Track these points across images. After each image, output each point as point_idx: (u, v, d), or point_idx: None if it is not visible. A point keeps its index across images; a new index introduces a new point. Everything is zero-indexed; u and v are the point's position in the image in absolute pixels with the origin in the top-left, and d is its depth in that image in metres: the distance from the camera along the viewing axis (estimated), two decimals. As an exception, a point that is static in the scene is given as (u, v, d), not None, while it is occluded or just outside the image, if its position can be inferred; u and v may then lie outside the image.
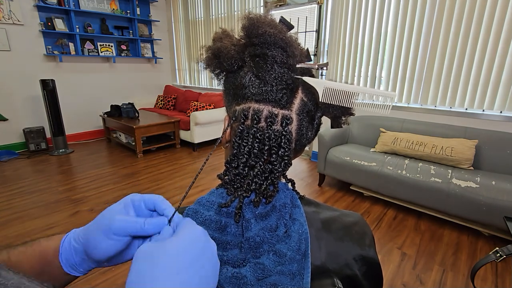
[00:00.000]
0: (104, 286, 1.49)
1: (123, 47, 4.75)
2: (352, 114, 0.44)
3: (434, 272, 1.67)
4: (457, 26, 2.34)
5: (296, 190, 0.44)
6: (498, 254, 0.91)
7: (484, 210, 1.85)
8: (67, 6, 3.93)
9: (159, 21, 5.10)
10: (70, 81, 4.26)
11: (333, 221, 0.43)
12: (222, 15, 4.34)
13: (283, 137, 0.39)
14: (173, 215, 0.34)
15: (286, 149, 0.39)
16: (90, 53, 4.33)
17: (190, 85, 5.34)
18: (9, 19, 3.59)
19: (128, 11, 4.65)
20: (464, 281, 1.60)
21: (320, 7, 3.22)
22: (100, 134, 4.68)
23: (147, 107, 5.05)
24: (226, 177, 0.41)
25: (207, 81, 5.02)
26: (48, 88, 3.60)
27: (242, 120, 0.40)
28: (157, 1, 5.02)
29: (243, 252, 0.36)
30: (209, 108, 4.07)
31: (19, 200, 2.50)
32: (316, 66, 0.42)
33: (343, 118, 0.45)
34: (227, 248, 0.37)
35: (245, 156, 0.39)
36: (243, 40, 0.42)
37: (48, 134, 3.88)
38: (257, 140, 0.39)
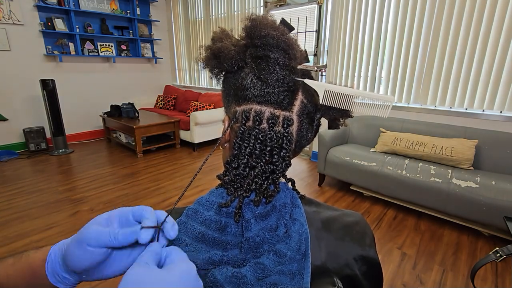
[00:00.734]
0: (104, 286, 1.49)
1: (123, 47, 4.75)
2: (351, 117, 0.44)
3: (434, 272, 1.67)
4: (457, 26, 2.34)
5: (296, 189, 0.44)
6: (498, 254, 0.91)
7: (484, 210, 1.85)
8: (67, 6, 3.93)
9: (159, 21, 5.10)
10: (70, 81, 4.26)
11: (333, 221, 0.43)
12: (222, 15, 4.34)
13: (284, 138, 0.39)
14: (165, 222, 0.33)
15: (288, 150, 0.39)
16: (90, 53, 4.33)
17: (190, 85, 5.34)
18: (9, 19, 3.59)
19: (128, 11, 4.65)
20: (464, 281, 1.60)
21: (320, 7, 3.22)
22: (100, 134, 4.68)
23: (147, 107, 5.05)
24: (226, 177, 0.41)
25: (207, 81, 5.02)
26: (48, 88, 3.60)
27: (244, 121, 0.40)
28: (157, 1, 5.02)
29: (243, 252, 0.36)
30: (209, 108, 4.07)
31: (19, 200, 2.50)
32: (315, 68, 0.43)
33: (341, 120, 0.45)
34: (227, 248, 0.37)
35: (246, 157, 0.39)
36: (243, 41, 0.42)
37: (48, 134, 3.88)
38: (258, 141, 0.39)
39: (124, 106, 4.06)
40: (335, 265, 0.39)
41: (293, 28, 0.43)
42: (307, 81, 0.41)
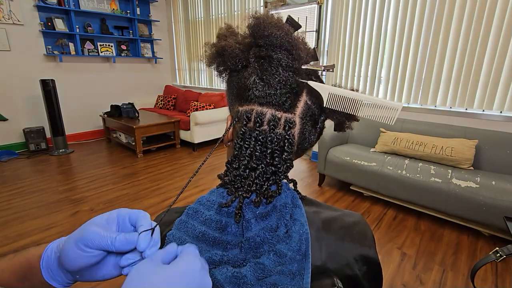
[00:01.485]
0: (104, 287, 1.49)
1: (123, 47, 4.75)
2: (357, 120, 0.43)
3: (434, 272, 1.67)
4: (457, 26, 2.34)
5: (297, 191, 0.44)
6: (498, 254, 0.91)
7: (484, 210, 1.85)
8: (67, 6, 3.93)
9: (159, 21, 5.10)
10: (70, 81, 4.26)
11: (333, 221, 0.43)
12: (222, 15, 4.34)
13: (285, 140, 0.39)
14: (153, 230, 0.33)
15: (289, 153, 0.39)
16: (90, 53, 4.33)
17: (190, 85, 5.34)
18: (9, 19, 3.59)
19: (128, 11, 4.65)
20: (464, 281, 1.60)
21: (320, 7, 3.22)
22: (100, 134, 4.68)
23: (147, 107, 5.05)
24: (227, 177, 0.41)
25: (207, 81, 5.02)
26: (48, 88, 3.60)
27: (245, 122, 0.40)
28: (157, 1, 5.02)
29: (244, 252, 0.36)
30: (209, 108, 4.07)
31: (19, 200, 2.50)
32: (322, 68, 0.42)
33: (347, 123, 0.44)
34: (228, 248, 0.37)
35: (247, 158, 0.39)
36: (248, 39, 0.41)
37: (48, 134, 3.88)
38: (259, 142, 0.39)
39: (124, 106, 4.06)
40: (335, 265, 0.39)
41: (300, 26, 0.42)
42: (310, 83, 0.40)
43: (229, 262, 0.35)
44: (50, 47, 3.94)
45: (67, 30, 4.03)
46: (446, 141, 2.24)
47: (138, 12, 4.73)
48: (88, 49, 4.32)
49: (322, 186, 2.84)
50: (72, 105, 4.29)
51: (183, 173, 3.20)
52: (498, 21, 2.15)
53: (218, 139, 0.43)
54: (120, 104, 4.14)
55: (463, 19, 2.29)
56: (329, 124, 0.48)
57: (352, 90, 0.39)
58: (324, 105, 0.40)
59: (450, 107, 2.50)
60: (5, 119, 3.75)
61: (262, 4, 3.79)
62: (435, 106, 2.59)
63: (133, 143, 3.74)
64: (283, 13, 3.54)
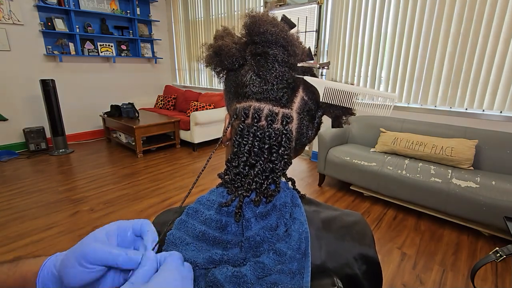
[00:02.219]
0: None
1: (123, 47, 4.75)
2: (353, 114, 0.44)
3: (434, 272, 1.67)
4: (457, 26, 2.34)
5: (296, 189, 0.44)
6: (498, 254, 0.91)
7: (484, 210, 1.85)
8: (67, 6, 3.93)
9: (159, 21, 5.11)
10: (70, 81, 4.26)
11: (333, 220, 0.43)
12: (222, 15, 4.35)
13: (283, 135, 0.39)
14: (155, 245, 0.34)
15: (287, 148, 0.39)
16: (90, 53, 4.33)
17: (190, 85, 5.34)
18: (9, 19, 3.59)
19: (128, 11, 4.65)
20: (464, 281, 1.60)
21: (320, 7, 3.22)
22: (100, 134, 4.68)
23: (147, 107, 5.05)
24: (227, 176, 0.41)
25: (207, 81, 5.02)
26: (48, 88, 3.60)
27: (243, 119, 0.40)
28: (157, 1, 5.02)
29: (243, 251, 0.36)
30: (209, 108, 4.07)
31: (19, 200, 2.50)
32: (318, 65, 0.42)
33: (344, 118, 0.45)
34: (228, 247, 0.37)
35: (246, 154, 0.39)
36: (244, 38, 0.42)
37: (48, 134, 3.88)
38: (257, 138, 0.39)
39: (124, 106, 4.06)
40: (335, 265, 0.39)
41: (294, 25, 0.42)
42: (307, 78, 0.40)
43: (229, 261, 0.35)
44: (50, 47, 3.94)
45: (67, 30, 4.03)
46: (446, 141, 2.24)
47: (138, 12, 4.73)
48: (88, 49, 4.32)
49: (322, 186, 2.84)
50: (72, 105, 4.29)
51: (183, 173, 3.20)
52: (498, 21, 2.15)
53: (218, 139, 0.43)
54: (120, 104, 4.14)
55: (463, 19, 2.29)
56: (328, 124, 0.48)
57: (347, 83, 0.40)
58: (321, 100, 0.40)
59: (450, 107, 2.50)
60: (5, 119, 3.75)
61: (262, 4, 3.80)
62: (435, 106, 2.59)
63: (133, 143, 3.74)
64: (283, 13, 3.55)
